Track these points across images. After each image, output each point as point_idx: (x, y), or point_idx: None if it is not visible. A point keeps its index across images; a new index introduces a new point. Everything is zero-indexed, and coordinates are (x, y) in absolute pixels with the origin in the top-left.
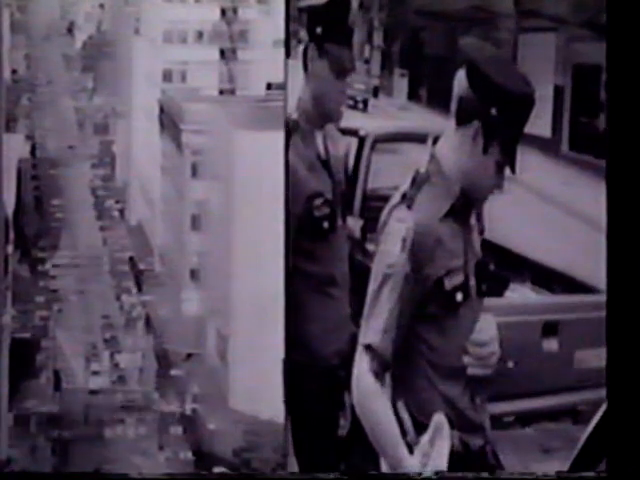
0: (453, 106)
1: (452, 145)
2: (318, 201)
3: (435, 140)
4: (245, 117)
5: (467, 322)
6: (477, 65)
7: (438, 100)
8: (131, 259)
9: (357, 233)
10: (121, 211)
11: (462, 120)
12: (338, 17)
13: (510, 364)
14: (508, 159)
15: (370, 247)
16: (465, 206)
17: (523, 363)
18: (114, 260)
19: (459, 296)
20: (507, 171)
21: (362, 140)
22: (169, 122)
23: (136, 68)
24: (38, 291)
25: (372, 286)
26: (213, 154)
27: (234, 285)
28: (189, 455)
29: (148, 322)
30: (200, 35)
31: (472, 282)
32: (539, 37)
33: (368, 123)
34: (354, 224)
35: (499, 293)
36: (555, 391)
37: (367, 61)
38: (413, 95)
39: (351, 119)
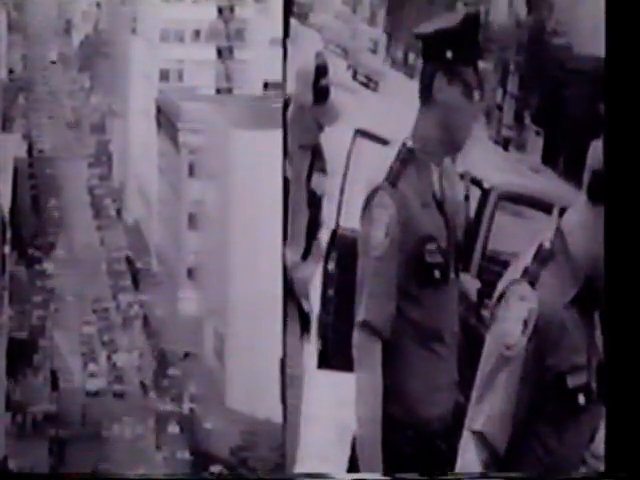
0: (585, 178)
1: (581, 222)
2: (431, 246)
3: (562, 212)
4: (242, 116)
5: (587, 430)
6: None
7: (577, 171)
8: (128, 258)
9: (473, 295)
10: (118, 210)
11: (595, 197)
12: (470, 36)
13: None
14: None
15: (486, 313)
16: (591, 297)
17: None
18: (111, 259)
19: (581, 398)
20: None
21: (485, 193)
22: (166, 121)
23: (133, 67)
24: (35, 291)
25: (486, 366)
26: (210, 153)
27: (231, 284)
28: (186, 454)
29: (145, 321)
30: (197, 34)
31: (594, 385)
32: None
33: (494, 175)
34: (470, 284)
35: None
36: None
37: (500, 107)
38: (548, 158)
39: (474, 167)
